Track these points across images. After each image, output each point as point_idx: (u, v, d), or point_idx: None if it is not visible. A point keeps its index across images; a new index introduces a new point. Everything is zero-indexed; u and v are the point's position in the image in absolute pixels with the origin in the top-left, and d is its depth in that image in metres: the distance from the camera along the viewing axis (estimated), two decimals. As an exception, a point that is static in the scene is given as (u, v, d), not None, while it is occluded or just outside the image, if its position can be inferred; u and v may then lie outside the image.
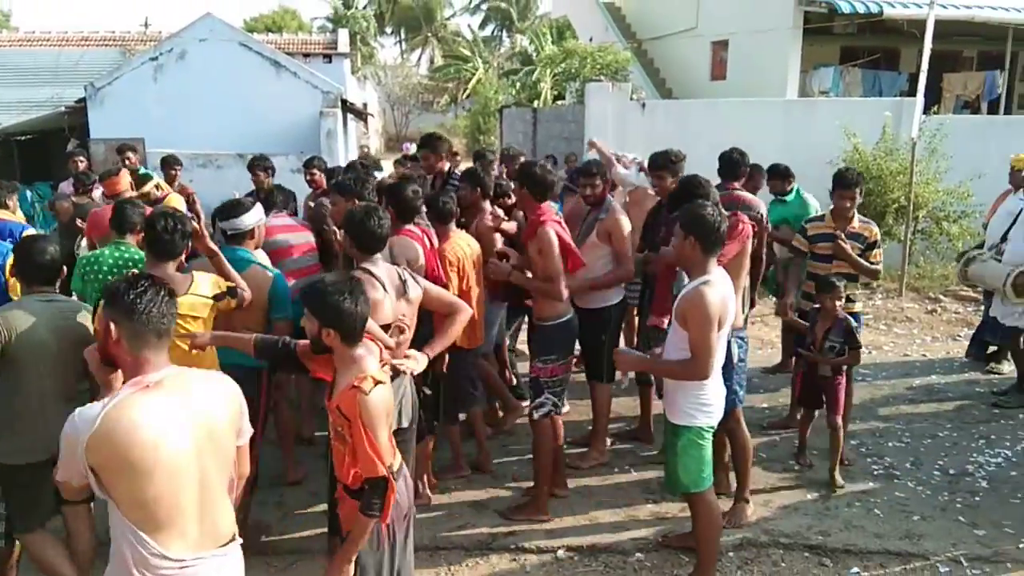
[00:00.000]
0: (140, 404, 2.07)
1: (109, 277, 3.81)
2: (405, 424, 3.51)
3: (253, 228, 3.93)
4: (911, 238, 9.11)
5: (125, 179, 6.01)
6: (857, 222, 5.14)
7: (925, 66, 8.73)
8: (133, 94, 13.31)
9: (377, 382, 2.63)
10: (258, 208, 3.97)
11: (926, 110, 9.24)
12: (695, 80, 16.33)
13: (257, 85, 13.50)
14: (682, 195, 4.20)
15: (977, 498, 4.64)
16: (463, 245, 4.57)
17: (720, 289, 3.42)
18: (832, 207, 5.24)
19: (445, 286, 4.27)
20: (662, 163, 5.00)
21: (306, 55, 20.76)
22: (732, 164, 5.25)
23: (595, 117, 10.99)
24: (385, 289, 3.35)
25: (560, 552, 4.10)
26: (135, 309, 2.12)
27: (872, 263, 5.12)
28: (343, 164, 7.54)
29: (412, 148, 8.17)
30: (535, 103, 18.32)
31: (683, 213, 3.56)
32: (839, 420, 4.80)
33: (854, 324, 4.86)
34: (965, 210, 9.21)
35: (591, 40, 19.09)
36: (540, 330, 4.41)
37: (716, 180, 5.84)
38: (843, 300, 4.89)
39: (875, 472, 4.97)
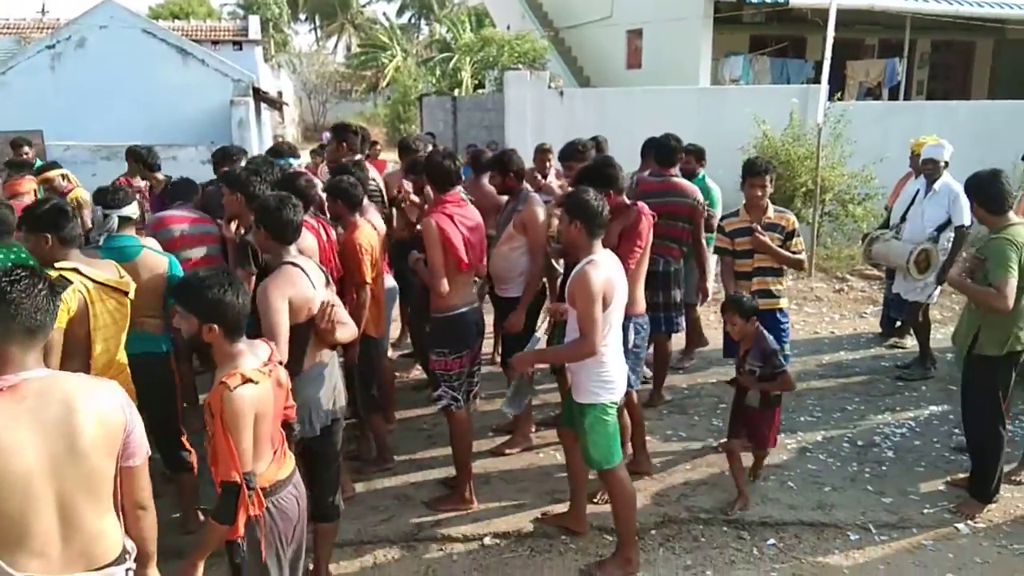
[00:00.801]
0: None
1: None
2: (339, 416, 3.50)
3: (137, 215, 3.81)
4: (819, 220, 9.45)
5: (29, 184, 5.65)
6: (772, 212, 5.00)
7: (829, 54, 9.03)
8: (29, 84, 12.67)
9: (247, 380, 2.49)
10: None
11: (830, 97, 9.57)
12: (612, 68, 16.53)
13: (163, 74, 13.03)
14: (591, 174, 4.29)
15: (884, 467, 4.86)
16: (371, 233, 4.56)
17: (604, 269, 3.54)
18: (745, 199, 5.09)
19: (341, 278, 4.32)
20: (571, 153, 5.23)
21: (215, 42, 20.13)
22: (669, 151, 5.39)
23: (514, 105, 11.00)
24: (314, 285, 3.27)
25: (487, 539, 4.11)
26: (3, 298, 1.97)
27: (794, 252, 4.98)
28: (256, 154, 7.23)
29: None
30: (455, 91, 18.23)
31: (567, 199, 3.72)
32: (766, 451, 4.59)
33: (772, 345, 4.38)
34: (869, 193, 9.59)
35: (508, 28, 19.11)
36: (431, 322, 4.41)
37: (634, 166, 6.00)
38: (754, 312, 4.43)
39: (788, 446, 5.15)
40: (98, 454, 2.03)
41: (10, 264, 3.59)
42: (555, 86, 11.51)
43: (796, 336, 7.45)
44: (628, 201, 4.42)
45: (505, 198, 4.99)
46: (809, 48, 16.00)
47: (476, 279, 4.58)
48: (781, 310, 5.10)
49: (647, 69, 15.44)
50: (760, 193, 4.94)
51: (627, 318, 4.15)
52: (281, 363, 2.77)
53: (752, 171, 4.96)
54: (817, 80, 10.35)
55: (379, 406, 4.95)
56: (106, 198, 3.75)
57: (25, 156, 7.24)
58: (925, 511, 4.36)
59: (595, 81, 16.72)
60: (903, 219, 6.35)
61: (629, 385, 4.31)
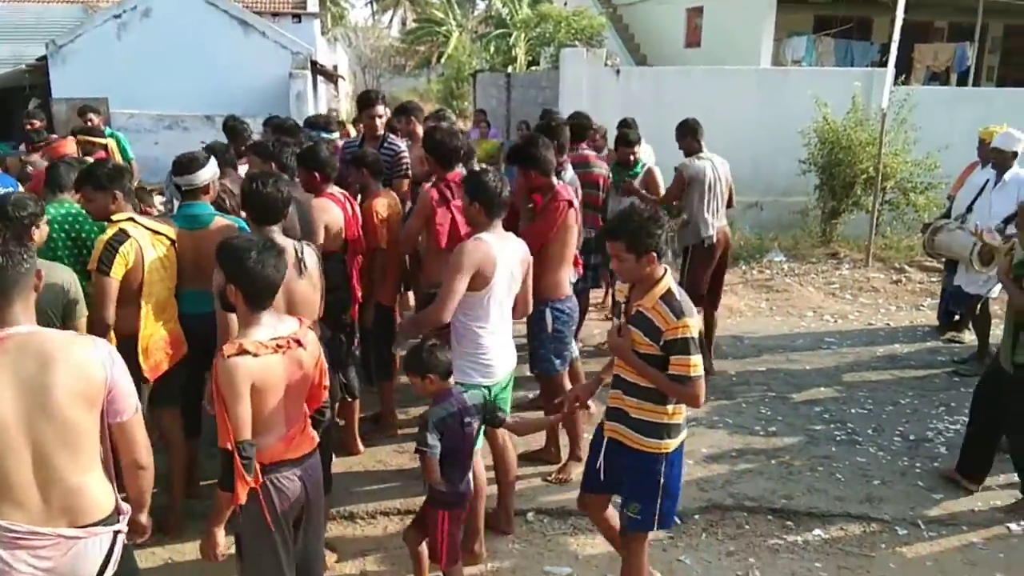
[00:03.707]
0: None
1: (54, 234, 3.81)
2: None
3: (208, 183, 3.88)
4: (879, 208, 9.22)
5: (70, 146, 5.90)
6: (656, 298, 2.90)
7: (897, 36, 8.75)
8: (96, 52, 12.99)
9: (244, 351, 2.50)
10: (212, 163, 3.91)
11: (896, 81, 9.28)
12: (670, 47, 16.30)
13: (224, 45, 13.25)
14: (516, 152, 4.39)
15: (936, 463, 4.76)
16: (390, 203, 4.71)
17: (487, 247, 3.44)
18: None
19: (364, 250, 4.44)
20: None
21: (275, 15, 20.27)
22: (579, 128, 5.78)
23: (570, 83, 10.93)
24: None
25: (530, 515, 4.15)
26: None
27: (673, 376, 2.87)
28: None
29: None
30: (509, 68, 18.15)
31: (467, 180, 3.67)
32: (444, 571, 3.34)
33: (431, 415, 3.16)
34: (932, 181, 9.31)
35: (566, 4, 18.92)
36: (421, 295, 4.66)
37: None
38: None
39: (838, 438, 5.08)
40: (74, 409, 2.06)
41: (67, 225, 3.81)
42: (612, 64, 11.39)
43: (850, 326, 7.35)
44: (555, 182, 4.35)
45: None
46: (875, 30, 15.57)
47: None
48: (652, 456, 3.02)
49: (706, 48, 15.19)
50: (617, 264, 3.02)
51: (544, 303, 4.16)
52: (299, 344, 2.66)
53: (605, 231, 3.31)
54: (883, 63, 10.06)
55: (391, 373, 5.03)
56: (174, 167, 3.87)
57: (90, 123, 7.47)
58: (977, 509, 4.28)
59: (652, 60, 16.50)
60: (969, 209, 6.16)
61: (554, 369, 4.32)
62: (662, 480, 3.02)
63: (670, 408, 2.99)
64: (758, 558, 3.84)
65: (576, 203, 4.38)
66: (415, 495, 4.25)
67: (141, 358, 3.52)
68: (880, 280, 8.73)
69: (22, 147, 7.68)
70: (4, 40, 16.82)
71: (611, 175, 5.89)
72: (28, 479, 2.02)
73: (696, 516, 4.16)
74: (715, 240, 5.84)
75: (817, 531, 4.06)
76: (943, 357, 6.57)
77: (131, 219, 3.56)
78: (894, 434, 5.15)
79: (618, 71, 11.20)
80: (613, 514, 3.37)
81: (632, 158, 6.21)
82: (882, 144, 8.85)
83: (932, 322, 7.36)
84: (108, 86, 12.03)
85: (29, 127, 7.30)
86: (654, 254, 2.90)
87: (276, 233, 3.33)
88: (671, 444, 3.02)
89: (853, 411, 5.50)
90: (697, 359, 2.87)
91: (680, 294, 2.93)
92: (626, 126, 6.74)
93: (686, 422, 3.11)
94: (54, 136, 7.52)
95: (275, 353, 2.57)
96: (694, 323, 2.88)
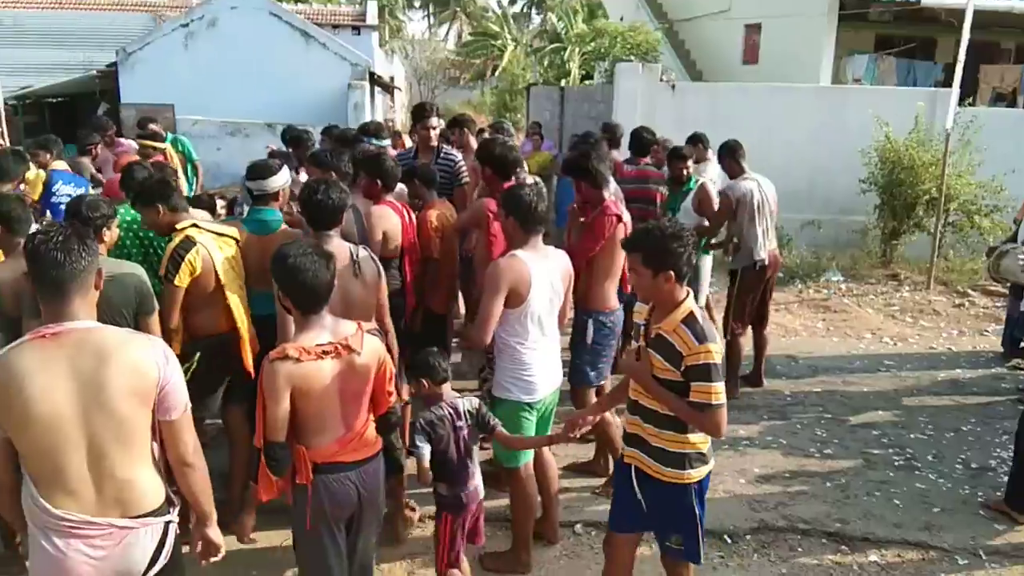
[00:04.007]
0: (27, 354, 2.05)
1: (122, 235, 3.99)
2: None
3: (279, 190, 3.97)
4: (941, 231, 8.99)
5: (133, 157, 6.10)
6: (678, 321, 2.75)
7: (962, 57, 8.54)
8: (164, 60, 13.40)
9: (286, 355, 2.55)
10: (285, 171, 4.01)
11: (961, 101, 9.04)
12: (726, 63, 16.15)
13: (286, 55, 13.55)
14: (570, 164, 4.47)
15: (998, 493, 4.60)
16: (445, 212, 4.74)
17: (520, 263, 3.40)
18: None
19: (419, 259, 4.46)
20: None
21: (335, 26, 20.65)
22: (642, 142, 6.12)
23: (624, 98, 10.90)
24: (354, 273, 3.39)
25: (578, 527, 4.12)
26: (33, 256, 2.10)
27: (694, 402, 2.71)
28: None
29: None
30: (563, 82, 18.20)
31: (503, 195, 3.65)
32: None
33: (422, 418, 3.20)
34: (997, 204, 9.05)
35: (622, 19, 18.91)
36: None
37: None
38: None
39: (896, 463, 4.95)
40: (128, 405, 2.11)
41: (129, 225, 3.97)
42: (667, 79, 11.33)
43: (910, 350, 7.17)
44: (605, 196, 4.33)
45: None
46: (939, 50, 15.21)
47: None
48: (679, 487, 2.86)
49: (764, 66, 15.02)
50: (635, 279, 2.89)
51: (588, 313, 4.13)
52: (350, 349, 2.67)
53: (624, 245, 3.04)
54: (947, 83, 9.82)
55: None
56: (248, 172, 3.98)
57: (151, 130, 7.70)
58: (1042, 543, 4.13)
59: (708, 76, 16.37)
60: (1036, 234, 5.98)
61: (587, 380, 4.26)
62: (698, 511, 2.88)
63: (692, 436, 2.82)
64: (812, 581, 3.76)
65: (626, 217, 4.36)
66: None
67: (245, 353, 3.70)
68: (942, 303, 8.49)
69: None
70: (75, 46, 17.46)
71: (667, 190, 5.86)
72: (83, 471, 2.09)
73: (747, 536, 4.09)
74: (766, 262, 5.75)
75: (873, 557, 3.96)
76: (1007, 384, 6.37)
77: (195, 225, 3.66)
78: (955, 461, 5.00)
79: (673, 86, 11.14)
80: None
81: (685, 173, 6.13)
82: (946, 165, 8.64)
83: (996, 348, 7.14)
84: (174, 93, 12.41)
85: (107, 137, 7.55)
86: (672, 273, 2.72)
87: (332, 237, 3.41)
88: (695, 475, 2.84)
89: (912, 436, 5.35)
90: (720, 386, 2.69)
91: (703, 318, 2.77)
92: (696, 140, 6.68)
93: (712, 449, 2.95)
94: (121, 141, 7.75)
95: (319, 359, 2.60)
96: (717, 349, 2.72)
